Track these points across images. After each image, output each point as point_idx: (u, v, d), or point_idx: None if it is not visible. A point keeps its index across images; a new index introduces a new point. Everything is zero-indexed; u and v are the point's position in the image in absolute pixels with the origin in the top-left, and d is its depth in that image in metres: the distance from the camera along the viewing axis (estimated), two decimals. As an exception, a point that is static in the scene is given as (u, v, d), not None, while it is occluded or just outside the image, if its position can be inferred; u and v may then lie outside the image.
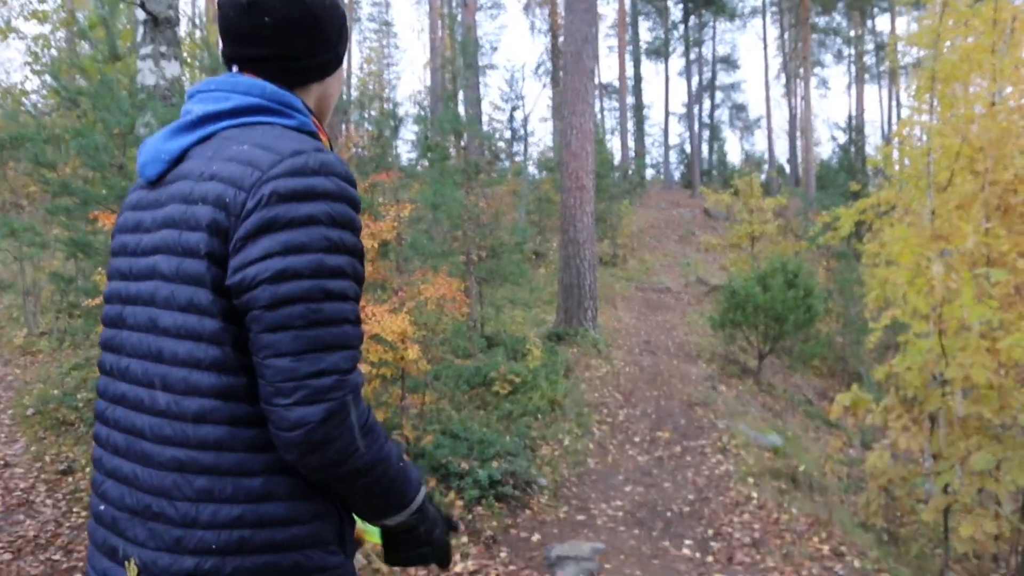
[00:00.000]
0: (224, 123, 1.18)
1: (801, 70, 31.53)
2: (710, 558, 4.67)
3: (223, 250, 1.08)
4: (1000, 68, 6.60)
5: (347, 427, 1.06)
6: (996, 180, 6.88)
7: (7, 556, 4.56)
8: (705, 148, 37.09)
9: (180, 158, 1.18)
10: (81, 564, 4.45)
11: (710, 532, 5.11)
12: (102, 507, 1.19)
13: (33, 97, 12.31)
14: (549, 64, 31.42)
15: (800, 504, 5.71)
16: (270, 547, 1.08)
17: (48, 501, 5.47)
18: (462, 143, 9.24)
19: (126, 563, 1.12)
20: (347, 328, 1.09)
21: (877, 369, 6.28)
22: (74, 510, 5.30)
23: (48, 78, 10.73)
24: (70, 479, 5.82)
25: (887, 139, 28.06)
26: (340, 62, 1.37)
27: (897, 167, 9.81)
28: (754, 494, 5.82)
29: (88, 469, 5.87)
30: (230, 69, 1.29)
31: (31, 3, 12.27)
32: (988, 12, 6.92)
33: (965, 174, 7.40)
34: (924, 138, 8.62)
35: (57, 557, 4.56)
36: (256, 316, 1.05)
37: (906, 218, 8.52)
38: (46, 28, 13.36)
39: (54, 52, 12.29)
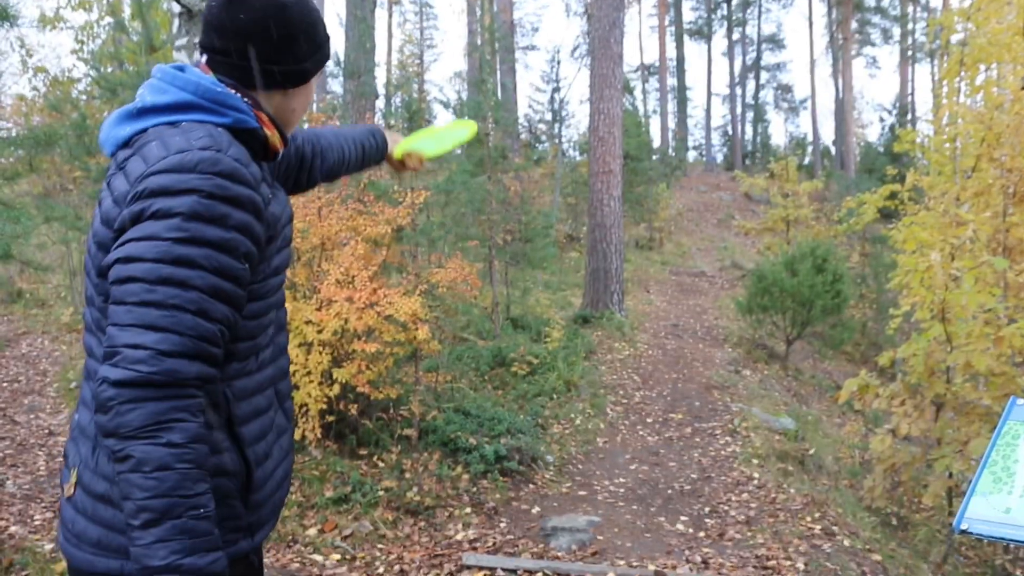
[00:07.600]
0: (159, 119, 1.27)
1: (844, 50, 30.91)
2: (702, 533, 4.85)
3: (111, 239, 1.21)
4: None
5: (140, 407, 1.11)
6: (1013, 168, 6.85)
7: (49, 515, 4.95)
8: (749, 130, 36.64)
9: (126, 143, 1.29)
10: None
11: (706, 510, 5.29)
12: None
13: (80, 85, 12.82)
14: (585, 46, 31.31)
15: (799, 485, 5.84)
16: None
17: (86, 467, 5.87)
18: (487, 131, 9.43)
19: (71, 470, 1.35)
20: (180, 315, 1.14)
21: (882, 355, 6.36)
22: (109, 476, 5.68)
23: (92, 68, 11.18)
24: (107, 448, 6.22)
25: (911, 123, 27.36)
26: (306, 79, 1.41)
27: (921, 152, 9.72)
28: (756, 475, 5.97)
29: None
30: (201, 56, 1.36)
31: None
32: (1020, -7, 6.83)
33: (985, 161, 7.34)
34: (959, 122, 8.55)
35: (90, 518, 4.93)
36: (110, 290, 1.18)
37: (931, 204, 8.49)
38: (92, 15, 13.84)
39: (99, 40, 12.78)
